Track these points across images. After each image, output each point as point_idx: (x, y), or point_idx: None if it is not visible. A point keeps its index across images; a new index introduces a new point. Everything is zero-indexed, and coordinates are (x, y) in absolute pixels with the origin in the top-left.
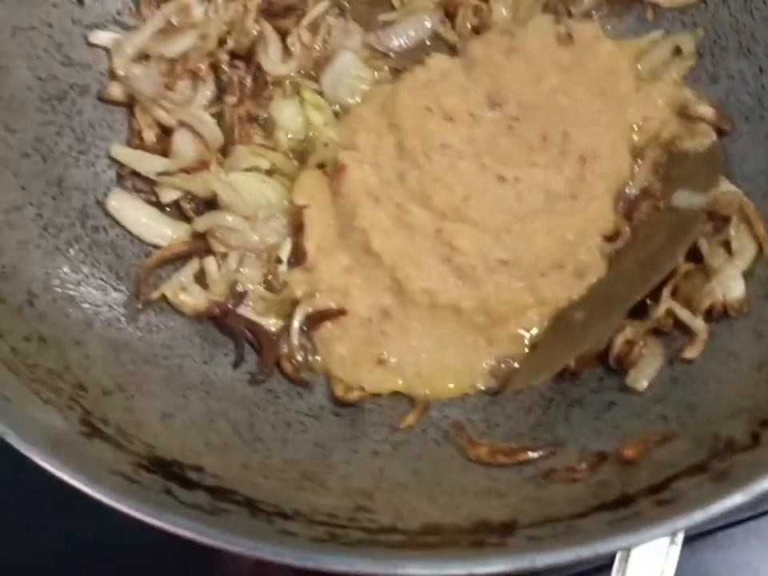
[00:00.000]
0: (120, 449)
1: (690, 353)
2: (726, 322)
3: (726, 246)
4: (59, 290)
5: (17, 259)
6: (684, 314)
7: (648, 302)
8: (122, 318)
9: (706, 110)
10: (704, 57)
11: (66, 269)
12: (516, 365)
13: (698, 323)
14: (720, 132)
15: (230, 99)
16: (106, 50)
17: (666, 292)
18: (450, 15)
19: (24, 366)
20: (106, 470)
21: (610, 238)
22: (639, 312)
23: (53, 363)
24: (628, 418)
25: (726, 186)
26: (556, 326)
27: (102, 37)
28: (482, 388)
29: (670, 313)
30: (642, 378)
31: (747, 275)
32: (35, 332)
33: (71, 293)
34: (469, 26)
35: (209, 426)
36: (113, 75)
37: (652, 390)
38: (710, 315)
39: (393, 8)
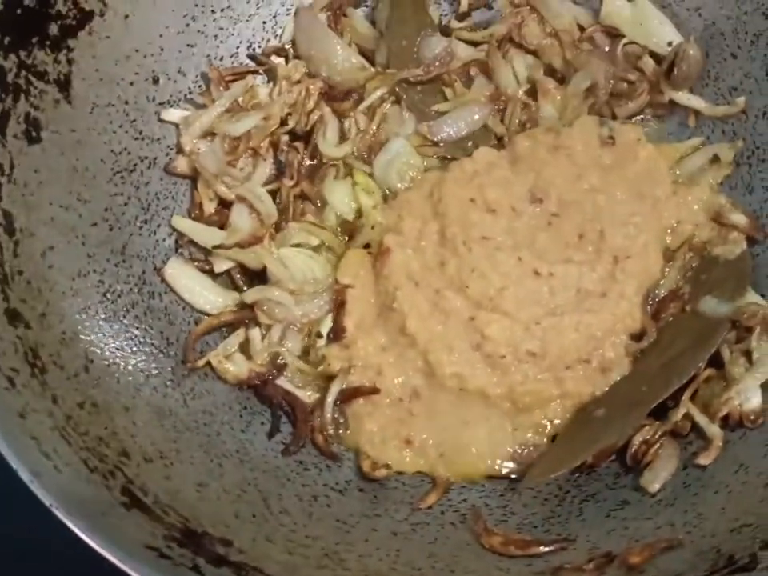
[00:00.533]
0: (156, 520)
1: (705, 459)
2: (741, 431)
3: (747, 355)
4: (114, 354)
5: (77, 325)
6: (701, 420)
7: (668, 402)
8: (168, 384)
9: (739, 219)
10: (741, 166)
11: (121, 333)
12: (536, 453)
13: (713, 430)
14: (751, 241)
15: (288, 182)
16: (176, 125)
17: (685, 396)
18: (499, 109)
19: (76, 434)
20: (142, 544)
21: (636, 337)
22: (658, 411)
23: (102, 430)
24: (639, 519)
25: (751, 296)
26: (578, 419)
27: (173, 114)
28: (502, 473)
29: (687, 416)
30: (655, 481)
31: (766, 387)
32: (89, 398)
33: (124, 357)
34: (517, 121)
35: (240, 496)
36: (180, 150)
37: (664, 492)
38: (725, 422)
39: (446, 99)
